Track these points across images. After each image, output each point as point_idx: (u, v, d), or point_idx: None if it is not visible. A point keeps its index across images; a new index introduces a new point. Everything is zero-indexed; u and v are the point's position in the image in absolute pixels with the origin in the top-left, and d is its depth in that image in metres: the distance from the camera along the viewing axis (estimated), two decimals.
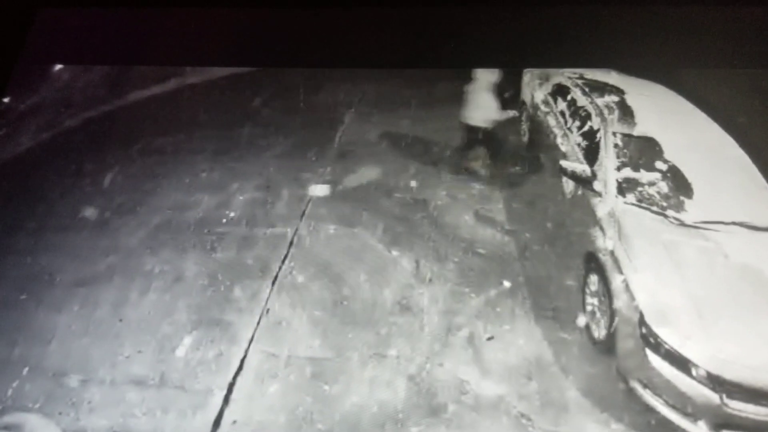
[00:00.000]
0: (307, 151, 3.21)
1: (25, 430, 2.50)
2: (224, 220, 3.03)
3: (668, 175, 2.90)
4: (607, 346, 2.56)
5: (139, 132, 3.35)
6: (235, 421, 2.45)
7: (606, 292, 2.62)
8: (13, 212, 3.10)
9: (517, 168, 3.11)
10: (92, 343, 2.71)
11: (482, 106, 3.33)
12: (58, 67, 3.60)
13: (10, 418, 2.53)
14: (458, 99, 3.22)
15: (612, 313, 2.56)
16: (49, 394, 2.58)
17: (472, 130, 3.32)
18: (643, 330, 2.43)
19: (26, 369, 2.64)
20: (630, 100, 3.26)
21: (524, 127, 3.44)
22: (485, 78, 3.34)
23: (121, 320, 2.76)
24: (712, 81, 3.14)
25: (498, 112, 3.34)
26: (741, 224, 2.69)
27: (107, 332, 2.73)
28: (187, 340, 2.67)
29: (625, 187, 2.87)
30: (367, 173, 3.09)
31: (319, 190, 2.95)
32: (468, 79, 3.32)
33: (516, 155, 3.22)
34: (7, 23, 3.53)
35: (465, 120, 3.33)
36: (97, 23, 3.64)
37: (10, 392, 2.58)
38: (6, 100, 3.39)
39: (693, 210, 2.76)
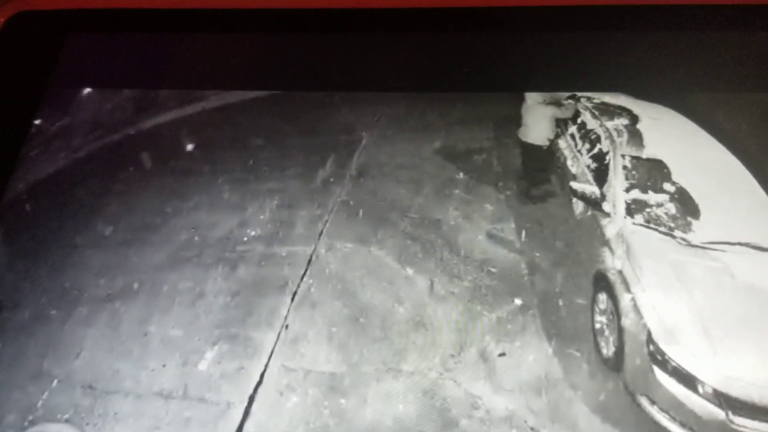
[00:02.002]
0: (326, 171, 3.28)
1: None
2: (245, 239, 3.10)
3: (676, 196, 2.95)
4: (616, 363, 2.60)
5: (163, 154, 3.44)
6: None
7: (614, 310, 2.68)
8: (43, 230, 3.20)
9: (534, 192, 3.18)
10: (118, 356, 2.78)
11: (539, 125, 3.41)
12: (87, 90, 3.70)
13: (39, 428, 2.61)
14: (474, 120, 3.29)
15: (620, 331, 2.61)
16: (78, 405, 2.66)
17: (530, 148, 3.37)
18: (651, 347, 2.49)
19: (55, 381, 2.73)
20: (639, 123, 3.29)
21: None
22: (537, 97, 3.44)
23: (146, 335, 2.84)
24: (720, 104, 3.21)
25: (553, 130, 3.40)
26: (748, 245, 2.75)
27: (133, 346, 2.81)
28: (210, 355, 2.75)
29: (633, 208, 2.93)
30: (383, 192, 3.16)
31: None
32: (518, 99, 3.38)
33: (528, 177, 3.28)
34: (38, 48, 3.68)
35: (524, 138, 3.38)
36: (124, 48, 3.77)
37: (40, 403, 2.67)
38: (37, 122, 3.51)
39: (700, 231, 2.81)
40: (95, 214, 3.24)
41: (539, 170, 3.21)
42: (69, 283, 3.03)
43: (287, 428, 2.52)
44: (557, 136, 3.39)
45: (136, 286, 2.99)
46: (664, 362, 2.45)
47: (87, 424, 2.62)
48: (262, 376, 2.67)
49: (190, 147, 3.40)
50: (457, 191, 3.17)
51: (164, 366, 2.73)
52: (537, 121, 3.41)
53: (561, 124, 3.35)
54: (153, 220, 3.19)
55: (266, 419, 2.55)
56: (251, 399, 2.60)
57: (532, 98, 3.44)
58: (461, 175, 3.21)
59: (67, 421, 2.64)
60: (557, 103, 3.44)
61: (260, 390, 2.62)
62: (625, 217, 2.90)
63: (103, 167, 3.41)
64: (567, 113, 3.45)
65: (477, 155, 3.28)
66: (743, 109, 3.16)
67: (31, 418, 2.64)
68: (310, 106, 3.48)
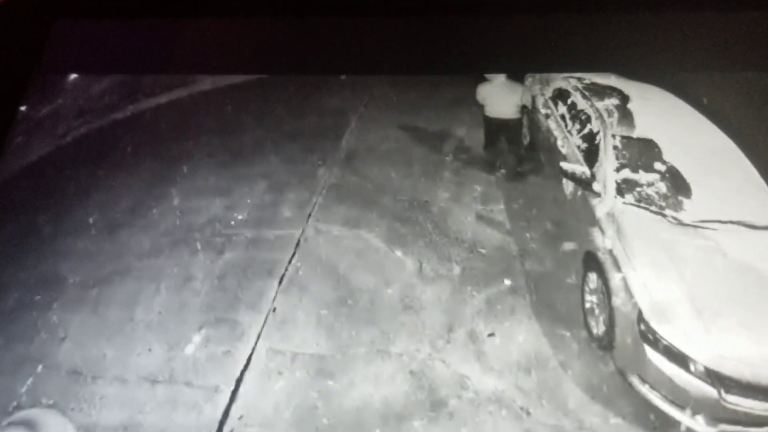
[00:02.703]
0: (314, 155, 3.26)
1: (38, 425, 2.55)
2: (233, 223, 3.08)
3: (667, 175, 2.92)
4: (606, 343, 2.59)
5: (150, 138, 3.41)
6: (242, 416, 2.49)
7: (605, 289, 2.65)
8: (29, 216, 3.17)
9: (519, 169, 3.15)
10: (104, 341, 2.75)
11: (504, 101, 3.44)
12: (74, 76, 3.65)
13: (24, 414, 2.58)
14: (463, 103, 3.27)
15: (611, 311, 2.58)
16: (63, 391, 2.63)
17: (493, 123, 3.42)
18: (642, 327, 2.45)
19: (40, 367, 2.70)
20: (630, 103, 3.29)
21: (525, 130, 3.47)
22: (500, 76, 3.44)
23: (132, 319, 2.80)
24: (711, 84, 3.18)
25: (518, 106, 3.46)
26: (739, 223, 2.72)
27: (119, 331, 2.77)
28: (197, 339, 2.71)
29: (624, 187, 2.90)
30: (371, 175, 3.13)
31: None
32: (478, 80, 3.38)
33: (517, 157, 3.26)
34: (24, 34, 3.63)
35: (488, 114, 3.42)
36: (111, 34, 3.72)
37: (24, 389, 2.64)
38: (23, 108, 3.46)
39: (691, 209, 2.78)
40: (81, 200, 3.21)
41: (503, 142, 3.25)
42: (54, 269, 2.99)
43: (275, 411, 2.48)
44: (546, 117, 3.39)
45: (121, 271, 2.95)
46: (655, 341, 2.41)
47: (72, 409, 2.58)
48: (249, 359, 2.65)
49: (176, 132, 3.37)
50: (446, 173, 3.14)
51: (150, 350, 2.70)
52: (502, 97, 3.40)
53: (551, 104, 3.34)
54: (139, 206, 3.16)
55: (253, 402, 2.52)
56: (238, 382, 2.57)
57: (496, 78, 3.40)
58: (450, 157, 3.18)
59: (52, 406, 2.60)
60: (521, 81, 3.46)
61: (247, 373, 2.60)
62: (615, 197, 2.87)
63: (89, 153, 3.39)
64: (534, 89, 3.48)
65: (466, 137, 3.25)
66: (735, 89, 3.12)
67: (15, 404, 2.60)
68: (298, 90, 3.46)
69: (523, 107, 3.38)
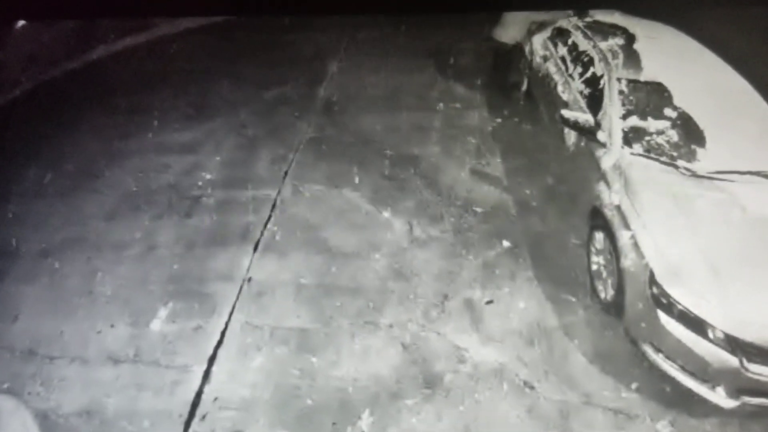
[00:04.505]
0: (289, 106, 3.04)
1: None
2: (200, 183, 2.88)
3: (678, 122, 2.71)
4: (615, 309, 2.43)
5: (107, 90, 3.21)
6: (216, 398, 2.29)
7: (612, 250, 2.47)
8: None
9: (516, 119, 2.95)
10: (62, 318, 2.55)
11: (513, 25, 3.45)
12: (21, 23, 3.42)
13: None
14: (452, 48, 3.11)
15: (620, 273, 2.39)
16: (17, 373, 2.42)
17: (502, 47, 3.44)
18: (654, 290, 2.27)
19: None
20: (636, 43, 3.09)
21: (523, 74, 3.23)
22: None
23: (91, 293, 2.61)
24: (725, 20, 2.96)
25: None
26: (759, 173, 2.52)
27: (77, 306, 2.57)
28: (163, 313, 2.52)
29: (631, 136, 2.70)
30: (353, 128, 2.94)
31: None
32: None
33: (514, 105, 3.06)
34: None
35: (496, 37, 3.46)
36: None
37: None
38: None
39: (706, 160, 2.58)
40: (31, 160, 2.98)
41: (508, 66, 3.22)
42: (3, 238, 2.77)
43: (252, 392, 2.28)
44: (545, 60, 3.18)
45: (78, 238, 2.76)
46: (669, 306, 2.22)
47: (29, 393, 2.35)
48: (222, 335, 2.48)
49: (135, 82, 3.16)
50: (437, 124, 2.93)
51: (112, 327, 2.52)
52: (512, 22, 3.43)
53: (550, 45, 3.12)
54: (96, 165, 2.95)
55: (228, 383, 2.32)
56: (211, 361, 2.39)
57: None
58: (441, 105, 2.96)
59: (5, 391, 2.36)
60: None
61: (221, 351, 2.42)
62: (622, 147, 2.65)
63: (39, 108, 3.17)
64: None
65: (459, 83, 3.04)
66: (751, 25, 2.90)
67: None
68: (271, 32, 3.27)
69: (519, 49, 3.20)
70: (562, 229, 2.71)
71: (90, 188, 2.88)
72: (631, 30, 3.19)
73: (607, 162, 2.67)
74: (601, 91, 2.92)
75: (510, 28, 3.39)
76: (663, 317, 2.24)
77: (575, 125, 2.83)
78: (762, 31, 2.91)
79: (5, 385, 2.40)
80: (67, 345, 2.49)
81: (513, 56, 3.39)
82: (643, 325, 2.31)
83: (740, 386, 2.15)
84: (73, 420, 2.25)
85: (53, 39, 3.39)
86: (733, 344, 2.15)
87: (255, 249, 2.71)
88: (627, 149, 2.66)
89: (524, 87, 3.20)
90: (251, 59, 3.18)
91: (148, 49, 3.25)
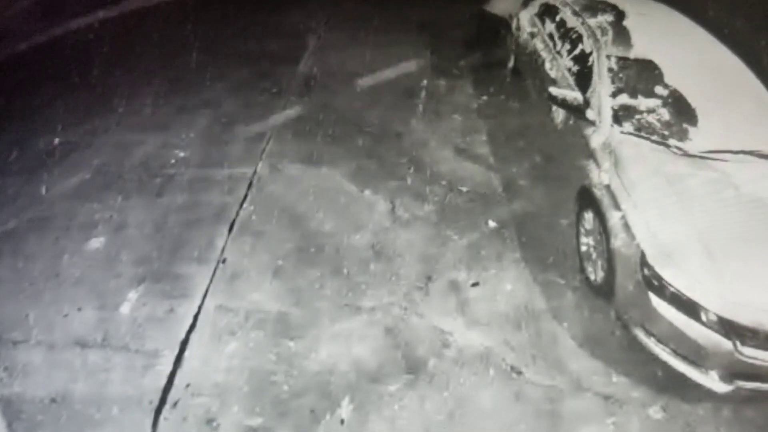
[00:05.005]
0: (266, 81, 2.94)
1: None
2: (173, 161, 2.77)
3: (669, 100, 2.64)
4: (606, 291, 2.36)
5: (77, 65, 3.08)
6: (188, 385, 2.19)
7: (602, 230, 2.40)
8: None
9: (502, 96, 2.87)
10: (26, 301, 2.44)
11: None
12: None
13: None
14: (437, 22, 3.03)
15: (610, 254, 2.32)
16: None
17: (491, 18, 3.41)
18: (645, 272, 2.20)
19: None
20: (626, 19, 3.03)
21: (509, 51, 3.16)
22: None
23: (57, 275, 2.50)
24: None
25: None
26: (752, 153, 2.46)
27: (43, 288, 2.47)
28: (133, 296, 2.42)
29: (621, 115, 2.62)
30: (334, 105, 2.85)
31: None
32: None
33: (501, 82, 2.98)
34: None
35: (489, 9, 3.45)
36: None
37: None
38: None
39: (698, 138, 2.51)
40: None
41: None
42: None
43: (226, 378, 2.18)
44: (533, 37, 3.10)
45: (44, 218, 2.65)
46: (661, 288, 2.15)
47: None
48: (195, 318, 2.38)
49: (106, 56, 3.04)
50: (420, 100, 2.84)
51: (80, 310, 2.41)
52: None
53: (537, 22, 3.04)
54: (64, 142, 2.83)
55: (201, 368, 2.22)
56: (183, 345, 2.30)
57: None
58: (425, 81, 2.86)
59: None
60: None
61: (193, 335, 2.33)
62: (612, 126, 2.57)
63: (5, 83, 3.02)
64: None
65: (444, 59, 2.96)
66: (745, 1, 2.84)
67: None
68: (249, 7, 3.17)
69: (506, 26, 3.13)
70: (551, 209, 2.65)
71: (57, 166, 2.77)
72: (621, 6, 3.12)
73: (596, 140, 2.60)
74: (590, 68, 2.85)
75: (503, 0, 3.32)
76: (654, 300, 2.17)
77: (563, 103, 2.76)
78: (757, 7, 2.85)
79: None
80: (32, 329, 2.39)
81: (499, 32, 3.32)
82: (634, 308, 2.25)
83: (734, 370, 2.09)
84: (39, 406, 2.15)
85: (20, 12, 3.28)
86: (726, 327, 2.08)
87: (230, 229, 2.63)
88: (617, 128, 2.58)
89: (511, 64, 3.12)
90: (227, 33, 3.08)
91: (120, 23, 3.13)
